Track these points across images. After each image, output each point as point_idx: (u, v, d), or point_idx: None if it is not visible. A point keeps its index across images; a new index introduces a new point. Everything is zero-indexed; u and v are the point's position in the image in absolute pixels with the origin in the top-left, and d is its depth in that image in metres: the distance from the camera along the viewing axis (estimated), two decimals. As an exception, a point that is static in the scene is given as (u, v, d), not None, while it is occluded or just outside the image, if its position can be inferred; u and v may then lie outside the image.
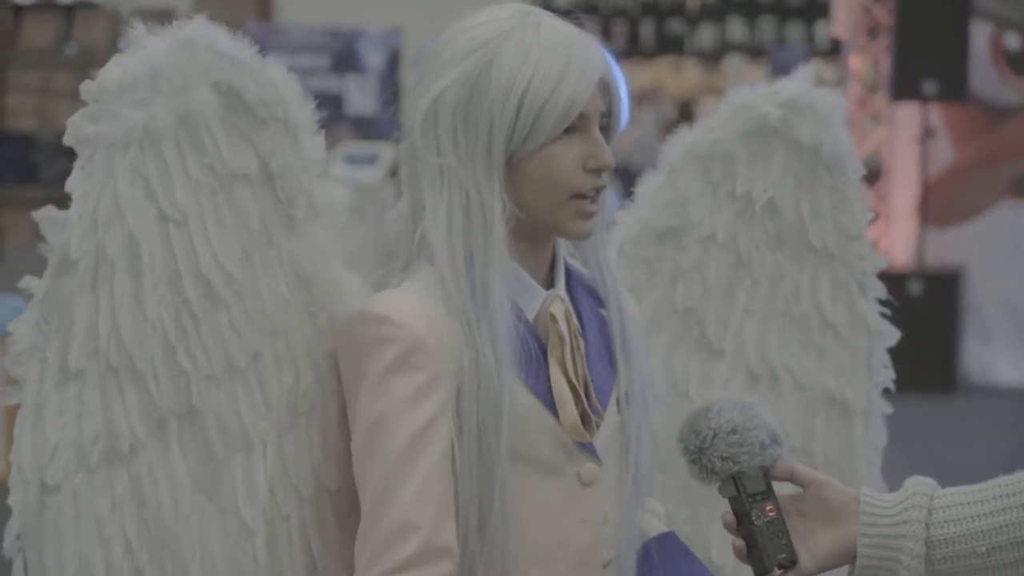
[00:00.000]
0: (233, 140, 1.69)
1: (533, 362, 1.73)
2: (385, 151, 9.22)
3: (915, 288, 8.09)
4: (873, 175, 8.46)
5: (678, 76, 12.03)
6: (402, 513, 1.65)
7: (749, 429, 1.74)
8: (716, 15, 12.58)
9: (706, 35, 12.58)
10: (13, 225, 11.02)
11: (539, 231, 1.76)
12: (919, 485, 1.72)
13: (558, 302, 1.77)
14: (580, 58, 1.72)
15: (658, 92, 11.72)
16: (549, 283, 1.80)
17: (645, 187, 2.21)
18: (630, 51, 12.28)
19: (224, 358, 1.69)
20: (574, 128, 1.73)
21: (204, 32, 1.66)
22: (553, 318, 1.75)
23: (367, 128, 10.73)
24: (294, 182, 1.74)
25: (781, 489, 1.75)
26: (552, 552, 1.77)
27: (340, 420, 1.76)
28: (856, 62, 8.80)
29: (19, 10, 12.00)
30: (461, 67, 1.72)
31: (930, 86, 8.16)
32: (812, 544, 1.72)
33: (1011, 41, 8.52)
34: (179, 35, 1.65)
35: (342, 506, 1.77)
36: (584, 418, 1.76)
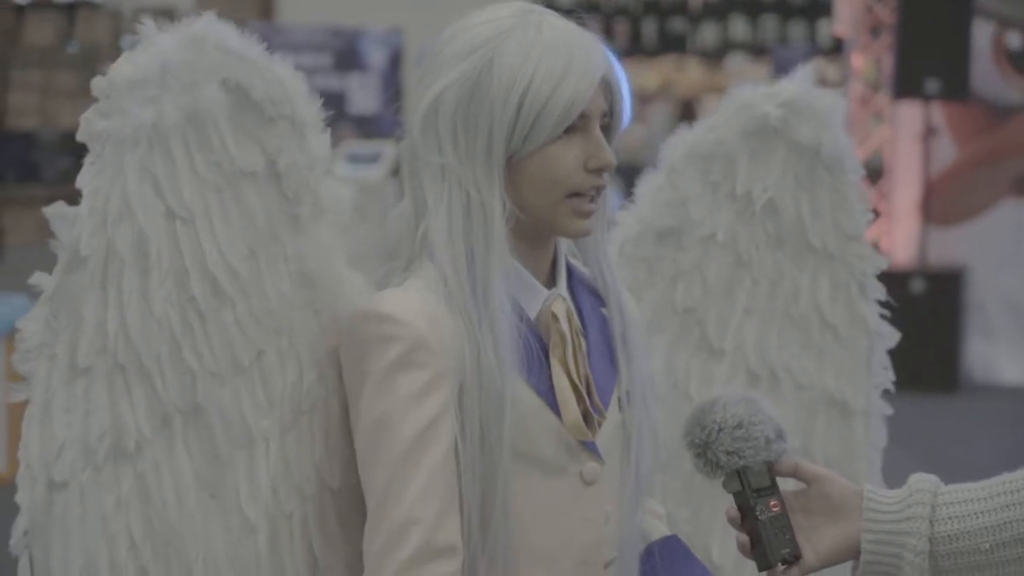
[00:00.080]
0: (240, 138, 1.70)
1: (535, 360, 1.73)
2: (387, 150, 9.23)
3: (917, 287, 8.09)
4: (875, 174, 8.46)
5: (680, 75, 12.03)
6: (405, 511, 1.65)
7: (754, 424, 1.74)
8: (718, 14, 12.58)
9: (708, 34, 12.58)
10: (15, 224, 11.03)
11: (539, 230, 1.77)
12: (923, 482, 1.72)
13: (560, 301, 1.77)
14: (582, 57, 1.72)
15: (668, 90, 11.72)
16: (551, 282, 1.80)
17: (645, 187, 2.21)
18: (632, 50, 12.28)
19: (229, 355, 1.70)
20: (575, 127, 1.73)
21: (213, 29, 1.67)
22: (555, 317, 1.76)
23: (369, 127, 10.74)
24: (300, 180, 1.74)
25: (785, 485, 1.75)
26: (555, 551, 1.77)
27: (342, 418, 1.76)
28: (858, 61, 8.80)
29: (21, 9, 12.01)
30: (462, 66, 1.72)
31: (932, 85, 8.16)
32: (816, 540, 1.72)
33: (1013, 40, 8.52)
34: (188, 32, 1.65)
35: (343, 504, 1.78)
36: (586, 417, 1.76)
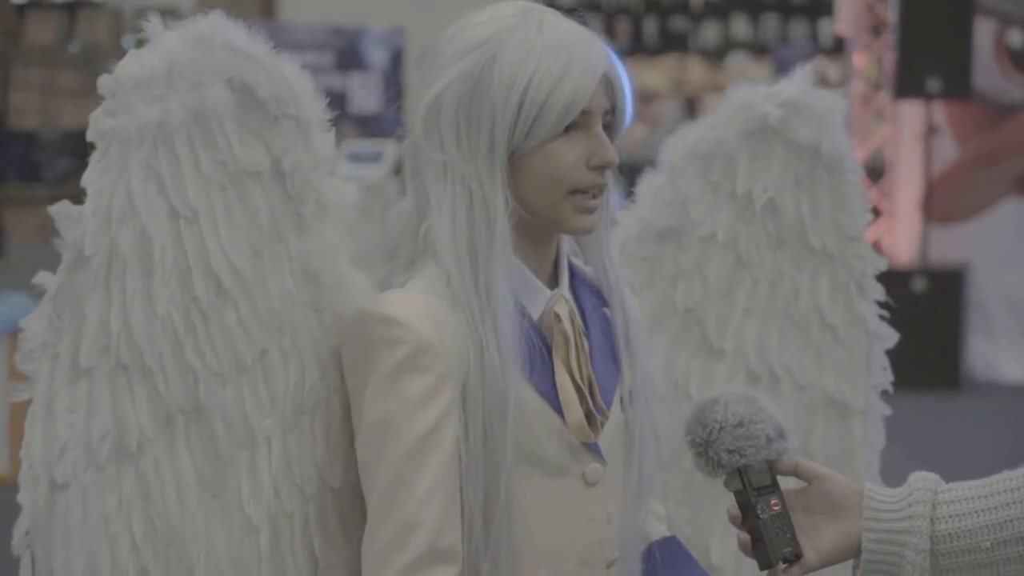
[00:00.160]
0: (245, 137, 1.70)
1: (537, 359, 1.74)
2: (389, 148, 9.22)
3: (919, 285, 8.09)
4: (877, 173, 8.46)
5: (682, 74, 12.02)
6: (409, 513, 1.65)
7: (755, 423, 1.75)
8: (720, 13, 12.57)
9: (710, 33, 12.57)
10: (16, 223, 11.03)
11: (542, 228, 1.77)
12: (923, 480, 1.72)
13: (562, 302, 1.78)
14: (583, 55, 1.72)
15: (679, 88, 11.71)
16: (553, 282, 1.80)
17: (645, 187, 2.22)
18: (634, 49, 12.28)
19: (232, 355, 1.70)
20: (577, 125, 1.73)
21: (219, 28, 1.67)
22: (557, 318, 1.76)
23: (371, 126, 10.74)
24: (304, 179, 1.74)
25: (786, 483, 1.75)
26: (557, 552, 1.77)
27: (343, 417, 1.77)
28: (859, 60, 8.80)
29: (22, 8, 12.01)
30: (463, 64, 1.72)
31: (933, 83, 8.16)
32: (816, 538, 1.73)
33: (1014, 38, 8.52)
34: (195, 31, 1.65)
35: (344, 504, 1.78)
36: (589, 418, 1.76)
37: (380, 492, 1.67)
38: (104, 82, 1.61)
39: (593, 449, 1.78)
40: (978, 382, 8.35)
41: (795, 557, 1.71)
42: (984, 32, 8.45)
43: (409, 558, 1.64)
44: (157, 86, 1.62)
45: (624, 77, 1.80)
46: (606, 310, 1.85)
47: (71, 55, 11.54)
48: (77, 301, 1.60)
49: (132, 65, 1.61)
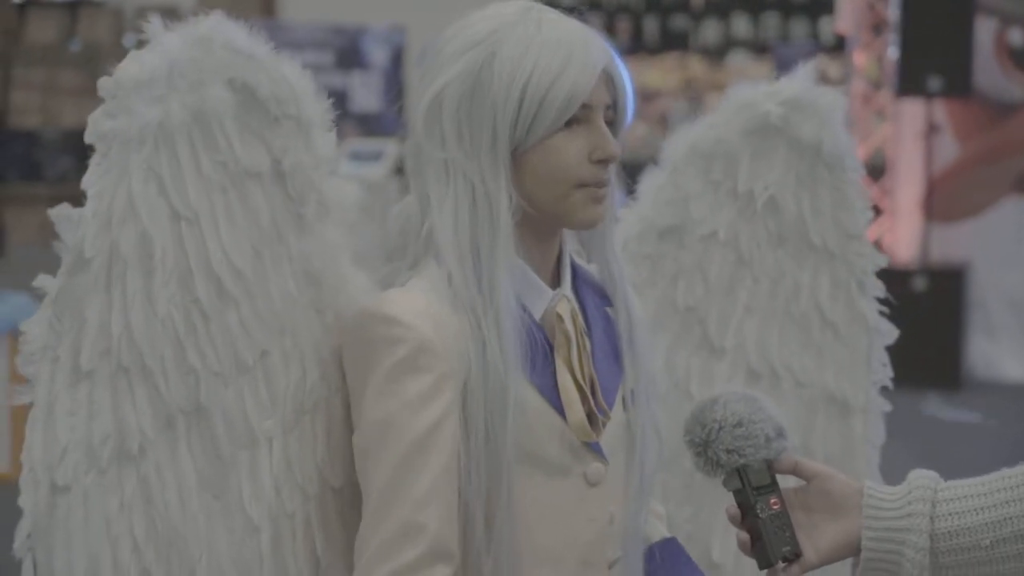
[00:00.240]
0: (246, 137, 1.70)
1: (539, 358, 1.74)
2: (390, 147, 9.23)
3: (920, 284, 8.09)
4: (877, 171, 8.46)
5: (682, 72, 12.02)
6: (409, 514, 1.65)
7: (755, 422, 1.75)
8: (720, 11, 12.57)
9: (710, 31, 12.57)
10: (17, 222, 11.03)
11: (546, 225, 1.77)
12: (922, 478, 1.72)
13: (564, 302, 1.77)
14: (582, 50, 1.72)
15: (692, 87, 11.69)
16: (555, 282, 1.80)
17: (647, 185, 2.22)
18: (634, 47, 12.28)
19: (233, 356, 1.70)
20: (578, 120, 1.73)
21: (220, 29, 1.67)
22: (559, 318, 1.76)
23: (372, 125, 10.74)
24: (305, 180, 1.74)
25: (785, 482, 1.75)
26: (559, 552, 1.77)
27: (344, 417, 1.77)
28: (860, 58, 8.80)
29: (23, 7, 12.01)
30: (463, 61, 1.73)
31: (934, 82, 8.16)
32: (816, 537, 1.73)
33: (1015, 37, 8.52)
34: (195, 31, 1.65)
35: (345, 503, 1.78)
36: (590, 418, 1.76)
37: (379, 491, 1.67)
38: (104, 84, 1.60)
39: (595, 449, 1.78)
40: (979, 381, 8.35)
41: (794, 556, 1.71)
42: (985, 31, 8.44)
43: (409, 558, 1.64)
44: (158, 87, 1.62)
45: (625, 73, 1.80)
46: (609, 309, 1.85)
47: (72, 54, 11.54)
48: (78, 304, 1.60)
49: (132, 66, 1.61)
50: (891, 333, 2.26)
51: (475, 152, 1.72)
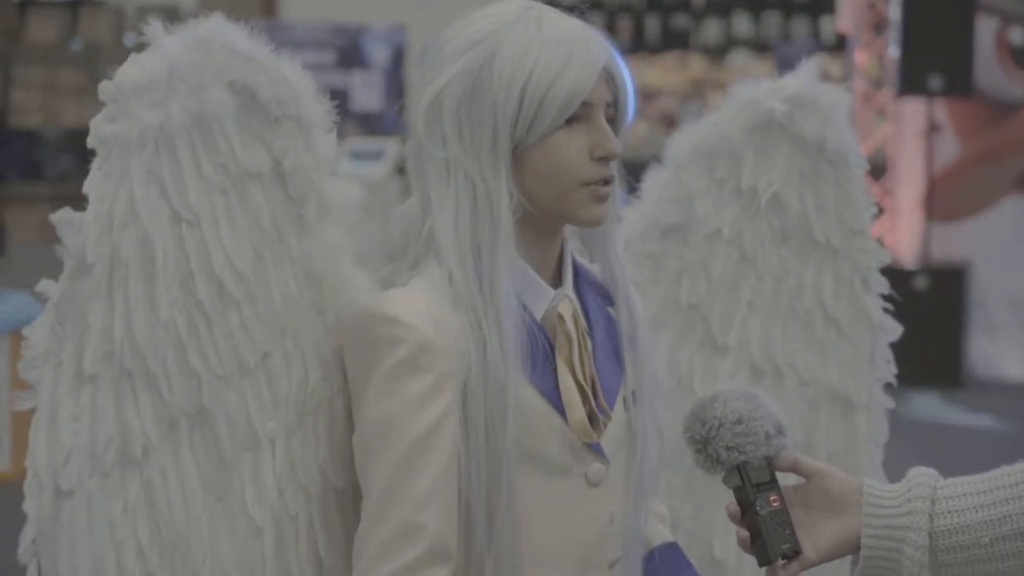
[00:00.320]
0: (246, 139, 1.70)
1: (540, 358, 1.73)
2: (391, 147, 9.23)
3: (920, 283, 8.09)
4: (878, 170, 8.46)
5: (683, 71, 12.02)
6: (410, 514, 1.65)
7: (755, 419, 1.75)
8: (721, 10, 12.57)
9: (711, 30, 12.58)
10: (18, 221, 11.03)
11: (548, 223, 1.77)
12: (922, 476, 1.72)
13: (566, 302, 1.77)
14: (582, 49, 1.72)
15: (702, 86, 11.69)
16: (557, 282, 1.79)
17: (651, 183, 2.22)
18: (635, 46, 12.28)
19: (235, 358, 1.69)
20: (579, 117, 1.73)
21: (220, 31, 1.66)
22: (560, 318, 1.75)
23: (373, 124, 10.75)
24: (306, 180, 1.74)
25: (785, 480, 1.75)
26: (559, 551, 1.77)
27: (346, 417, 1.76)
28: (861, 57, 8.80)
29: (24, 6, 12.01)
30: (463, 60, 1.72)
31: (935, 81, 8.16)
32: (816, 534, 1.73)
33: (1016, 36, 8.52)
34: (195, 34, 1.65)
35: (347, 504, 1.78)
36: (591, 418, 1.76)
37: (379, 491, 1.67)
38: (104, 88, 1.60)
39: (596, 449, 1.78)
40: (980, 380, 8.34)
41: (794, 553, 1.71)
42: (986, 30, 8.45)
43: (409, 559, 1.64)
44: (158, 90, 1.61)
45: (625, 72, 1.80)
46: (611, 309, 1.85)
47: (73, 53, 11.54)
48: (80, 308, 1.60)
49: (132, 70, 1.60)
50: (895, 330, 2.26)
51: (476, 151, 1.72)
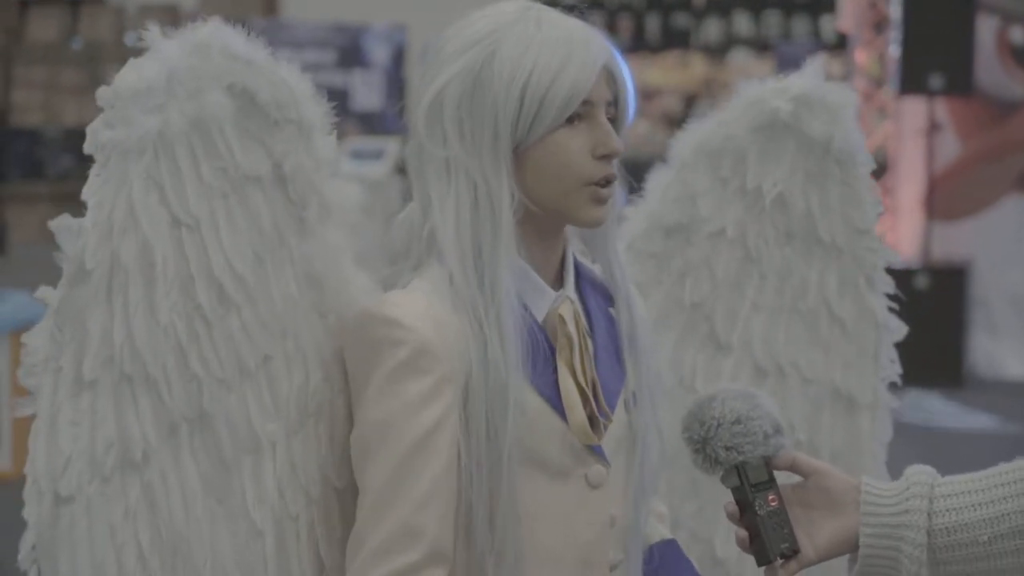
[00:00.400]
0: (246, 142, 1.69)
1: (541, 359, 1.73)
2: (391, 146, 9.24)
3: (921, 282, 8.09)
4: (879, 169, 8.39)
5: (684, 70, 12.03)
6: (409, 515, 1.65)
7: (752, 419, 1.75)
8: (722, 9, 12.58)
9: (712, 29, 12.58)
10: (18, 221, 11.04)
11: (549, 223, 1.76)
12: (920, 474, 1.72)
13: (567, 303, 1.77)
14: (582, 48, 1.72)
15: (712, 86, 11.69)
16: (558, 283, 1.79)
17: (654, 183, 2.21)
18: (636, 46, 12.29)
19: (235, 361, 1.69)
20: (580, 116, 1.73)
21: (218, 35, 1.66)
22: (561, 320, 1.75)
23: (373, 123, 10.76)
24: (306, 183, 1.74)
25: (783, 479, 1.76)
26: (560, 553, 1.76)
27: (347, 419, 1.76)
28: (862, 56, 8.80)
29: (25, 5, 12.02)
30: (463, 60, 1.72)
31: (936, 80, 8.16)
32: (814, 533, 1.73)
33: (1017, 35, 8.52)
34: (194, 38, 1.64)
35: (348, 505, 1.77)
36: (592, 420, 1.75)
37: (377, 491, 1.66)
38: (103, 93, 1.59)
39: (596, 451, 1.77)
40: (981, 379, 8.35)
41: (792, 553, 1.71)
42: (986, 29, 8.45)
43: (407, 561, 1.64)
44: (156, 95, 1.61)
45: (626, 71, 1.80)
46: (612, 310, 1.85)
47: (73, 52, 11.55)
48: (79, 314, 1.59)
49: (130, 75, 1.60)
50: (900, 329, 2.26)
51: (476, 150, 1.72)
